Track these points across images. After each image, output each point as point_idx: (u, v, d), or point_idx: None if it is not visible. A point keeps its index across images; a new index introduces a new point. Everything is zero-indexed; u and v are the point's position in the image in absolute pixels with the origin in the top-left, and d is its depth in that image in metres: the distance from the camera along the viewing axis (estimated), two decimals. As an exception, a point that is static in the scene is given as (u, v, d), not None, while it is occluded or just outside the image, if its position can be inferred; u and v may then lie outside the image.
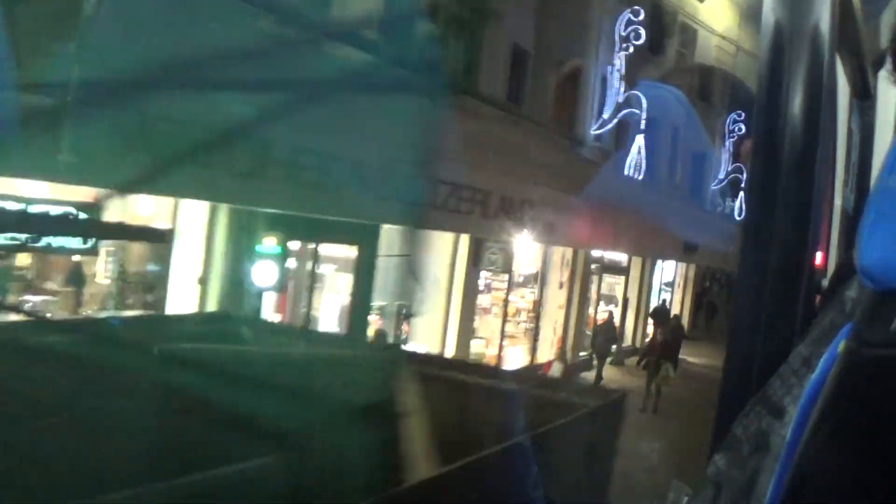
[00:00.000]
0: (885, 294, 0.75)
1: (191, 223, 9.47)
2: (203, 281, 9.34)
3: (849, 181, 1.70)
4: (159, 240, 9.58)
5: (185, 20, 6.05)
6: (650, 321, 21.60)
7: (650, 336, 18.55)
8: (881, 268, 0.76)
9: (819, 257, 1.45)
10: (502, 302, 15.70)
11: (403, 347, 11.70)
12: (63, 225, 7.78)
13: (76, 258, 9.44)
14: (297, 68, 7.31)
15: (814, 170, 1.39)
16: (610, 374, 17.20)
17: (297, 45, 7.45)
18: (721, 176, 24.21)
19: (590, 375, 16.87)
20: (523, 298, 16.57)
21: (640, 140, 17.39)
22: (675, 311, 23.19)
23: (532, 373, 14.08)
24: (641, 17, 16.55)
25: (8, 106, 4.53)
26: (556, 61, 16.00)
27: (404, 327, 12.90)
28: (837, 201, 1.58)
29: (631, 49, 16.61)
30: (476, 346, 14.44)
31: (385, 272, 11.76)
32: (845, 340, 0.77)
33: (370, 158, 8.51)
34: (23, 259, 9.08)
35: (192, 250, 9.45)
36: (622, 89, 16.58)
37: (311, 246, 10.94)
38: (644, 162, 17.67)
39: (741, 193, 23.40)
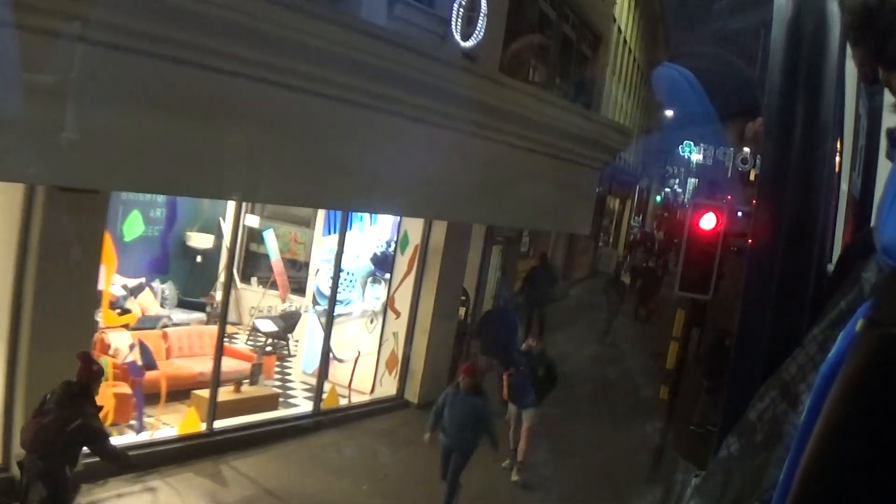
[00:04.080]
0: None
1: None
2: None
3: (856, 165, 1.69)
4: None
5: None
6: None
7: None
8: None
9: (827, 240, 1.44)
10: None
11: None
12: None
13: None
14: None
15: (823, 154, 1.37)
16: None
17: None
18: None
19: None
20: None
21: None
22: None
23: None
24: None
25: (11, 84, 4.38)
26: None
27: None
28: (844, 185, 1.57)
29: None
30: None
31: None
32: (863, 319, 0.77)
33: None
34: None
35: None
36: None
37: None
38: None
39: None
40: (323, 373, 9.89)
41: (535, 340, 9.66)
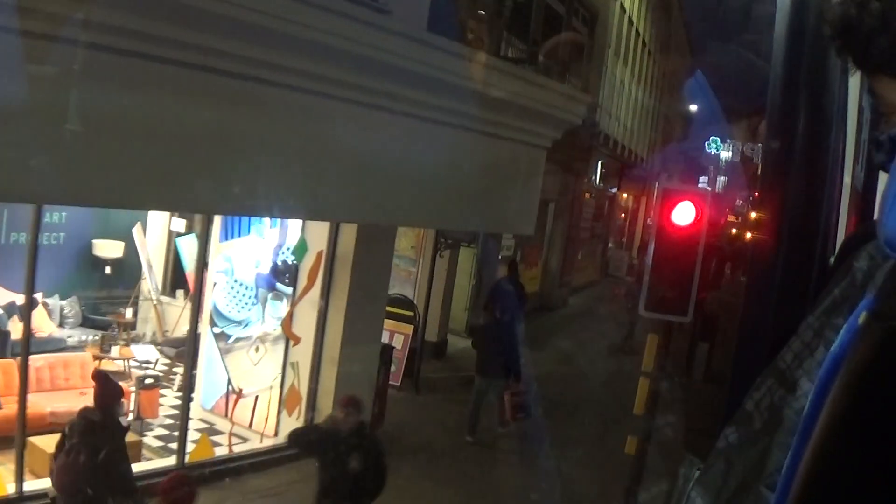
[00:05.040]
0: None
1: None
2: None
3: (859, 158, 1.96)
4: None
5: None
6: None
7: None
8: None
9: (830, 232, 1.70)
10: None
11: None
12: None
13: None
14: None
15: (826, 147, 1.63)
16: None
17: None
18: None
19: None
20: None
21: None
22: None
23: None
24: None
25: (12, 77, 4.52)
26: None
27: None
28: (847, 178, 1.83)
29: None
30: None
31: None
32: (866, 312, 0.88)
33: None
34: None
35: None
36: None
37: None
38: None
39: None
40: (185, 415, 8.72)
41: (343, 410, 6.71)
